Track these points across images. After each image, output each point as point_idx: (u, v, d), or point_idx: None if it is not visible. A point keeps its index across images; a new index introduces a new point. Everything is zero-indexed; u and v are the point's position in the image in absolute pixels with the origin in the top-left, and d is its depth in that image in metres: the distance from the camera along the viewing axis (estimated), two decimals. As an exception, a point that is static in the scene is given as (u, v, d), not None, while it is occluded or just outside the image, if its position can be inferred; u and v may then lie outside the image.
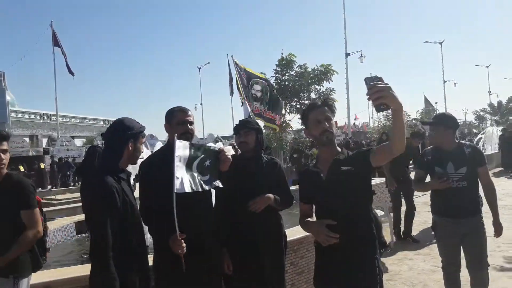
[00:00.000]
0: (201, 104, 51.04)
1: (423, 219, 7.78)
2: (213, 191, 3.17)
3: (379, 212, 6.70)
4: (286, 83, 13.48)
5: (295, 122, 14.54)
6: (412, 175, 4.24)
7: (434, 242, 6.17)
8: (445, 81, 47.64)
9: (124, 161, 2.50)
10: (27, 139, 34.92)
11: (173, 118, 2.89)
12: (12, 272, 2.66)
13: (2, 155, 2.74)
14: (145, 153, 5.23)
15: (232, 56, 6.30)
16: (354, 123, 60.28)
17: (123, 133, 2.47)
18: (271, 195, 3.09)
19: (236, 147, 3.46)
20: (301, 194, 2.73)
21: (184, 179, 2.58)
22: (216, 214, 3.07)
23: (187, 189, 2.57)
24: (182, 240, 2.50)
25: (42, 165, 21.56)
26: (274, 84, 13.56)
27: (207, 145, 2.92)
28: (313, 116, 2.51)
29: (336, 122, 2.61)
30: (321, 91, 13.63)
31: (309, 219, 2.69)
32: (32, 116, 46.29)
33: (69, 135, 37.36)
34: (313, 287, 4.04)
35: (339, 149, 2.56)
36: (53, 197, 14.89)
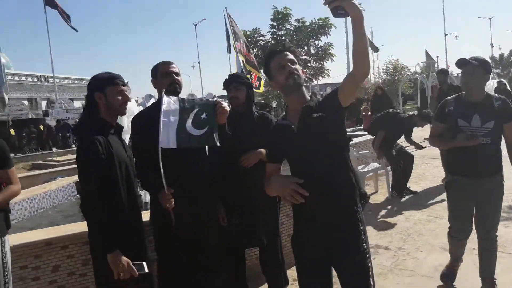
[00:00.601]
0: (199, 62, 50.36)
1: (420, 171, 7.85)
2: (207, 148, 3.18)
3: (374, 165, 6.76)
4: (283, 38, 13.18)
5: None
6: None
7: (431, 193, 6.38)
8: (446, 34, 46.67)
9: (104, 114, 2.48)
10: (26, 102, 34.67)
11: (158, 71, 2.89)
12: None
13: None
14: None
15: (226, 8, 6.10)
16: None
17: (89, 87, 2.51)
18: (262, 150, 3.07)
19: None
20: (268, 153, 2.44)
21: (170, 134, 2.57)
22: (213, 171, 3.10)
23: (172, 144, 2.56)
24: (171, 196, 2.57)
25: (41, 127, 21.57)
26: (270, 39, 13.33)
27: (202, 98, 2.91)
28: (275, 63, 2.22)
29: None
30: (319, 45, 13.36)
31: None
32: (30, 79, 45.76)
33: (68, 97, 37.11)
34: None
35: (308, 96, 2.25)
36: (54, 158, 15.04)
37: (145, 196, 4.98)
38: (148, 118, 2.75)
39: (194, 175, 2.82)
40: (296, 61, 2.23)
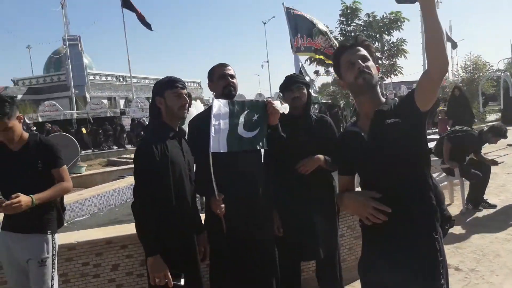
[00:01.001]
0: (267, 61, 50.61)
1: (501, 181, 7.19)
2: (262, 150, 3.09)
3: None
4: (352, 34, 12.72)
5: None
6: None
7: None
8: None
9: (166, 118, 2.53)
10: (105, 101, 36.95)
11: (214, 74, 2.86)
12: (49, 228, 2.77)
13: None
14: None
15: (283, 3, 5.84)
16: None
17: (152, 92, 2.58)
18: (321, 156, 2.95)
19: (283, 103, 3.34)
20: (338, 164, 2.17)
21: (221, 138, 2.55)
22: (266, 174, 3.00)
23: (223, 148, 2.54)
24: (222, 201, 2.54)
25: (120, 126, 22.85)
26: (339, 35, 12.93)
27: (252, 99, 2.85)
28: (344, 60, 1.94)
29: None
30: (391, 41, 12.74)
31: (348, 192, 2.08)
32: (109, 78, 48.89)
33: (144, 96, 38.97)
34: None
35: (383, 99, 1.95)
36: (127, 156, 15.86)
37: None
38: (202, 123, 2.71)
39: (247, 179, 2.74)
40: (369, 57, 1.94)
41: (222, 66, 2.85)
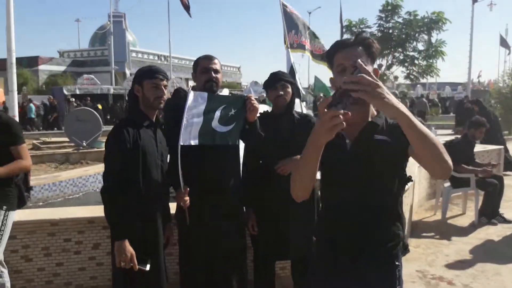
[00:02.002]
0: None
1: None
2: (242, 145, 3.05)
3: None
4: (391, 31, 12.30)
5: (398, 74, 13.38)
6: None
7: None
8: None
9: (143, 106, 2.53)
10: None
11: (198, 66, 2.79)
12: (3, 203, 2.82)
13: None
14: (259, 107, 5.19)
15: None
16: (478, 80, 54.58)
17: (132, 80, 2.58)
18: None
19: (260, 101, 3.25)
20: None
21: (193, 131, 2.52)
22: (243, 170, 2.97)
23: (194, 141, 2.52)
24: (186, 194, 2.55)
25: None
26: (377, 31, 12.54)
27: (233, 95, 2.79)
28: (338, 60, 1.71)
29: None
30: (429, 41, 12.22)
31: None
32: (151, 57, 49.82)
33: (184, 77, 39.46)
34: None
35: (374, 111, 1.76)
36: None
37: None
38: (176, 114, 2.66)
39: (217, 172, 2.71)
40: (368, 60, 1.71)
41: (207, 59, 2.77)
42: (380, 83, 1.38)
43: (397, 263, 1.76)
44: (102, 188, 2.42)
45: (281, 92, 2.91)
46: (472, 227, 5.48)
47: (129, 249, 2.35)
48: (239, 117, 2.65)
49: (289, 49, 5.65)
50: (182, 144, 2.48)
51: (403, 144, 1.58)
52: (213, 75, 2.73)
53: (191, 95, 2.52)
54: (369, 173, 1.69)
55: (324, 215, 1.93)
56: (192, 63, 2.88)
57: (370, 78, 1.34)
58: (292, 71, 5.31)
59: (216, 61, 2.78)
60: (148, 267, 2.41)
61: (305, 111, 4.99)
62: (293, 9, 5.96)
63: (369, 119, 1.72)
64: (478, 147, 7.98)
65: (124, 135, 2.39)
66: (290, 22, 5.81)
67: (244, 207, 2.99)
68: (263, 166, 2.96)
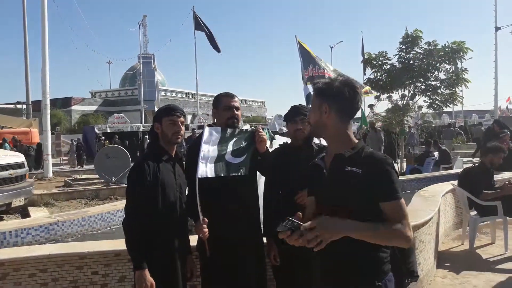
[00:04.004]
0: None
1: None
2: (262, 179, 3.14)
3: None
4: (411, 62, 12.32)
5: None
6: None
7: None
8: None
9: (162, 142, 2.69)
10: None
11: (220, 103, 2.94)
12: None
13: None
14: (278, 138, 5.39)
15: (296, 36, 5.93)
16: (506, 107, 53.34)
17: (153, 118, 2.75)
18: None
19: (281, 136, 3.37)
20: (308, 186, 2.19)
21: (209, 163, 2.65)
22: (265, 202, 3.05)
23: (210, 174, 2.63)
24: (205, 225, 2.61)
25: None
26: (397, 63, 12.58)
27: (242, 127, 2.94)
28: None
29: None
30: (451, 70, 12.15)
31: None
32: (179, 95, 51.25)
33: (210, 113, 40.16)
34: None
35: (354, 141, 1.91)
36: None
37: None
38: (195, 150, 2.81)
39: (236, 205, 2.81)
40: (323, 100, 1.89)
41: (229, 97, 2.94)
42: (318, 228, 1.61)
43: (378, 283, 1.79)
44: (124, 220, 2.55)
45: (300, 126, 3.02)
46: (502, 257, 5.32)
47: (149, 278, 2.44)
48: (249, 149, 2.80)
49: (308, 83, 5.83)
50: (199, 176, 2.59)
51: (376, 193, 1.75)
52: (235, 112, 2.89)
53: (206, 130, 2.68)
54: (340, 202, 1.80)
55: None
56: (215, 99, 3.04)
57: (311, 235, 1.60)
58: (308, 102, 5.47)
59: (236, 98, 2.95)
60: None
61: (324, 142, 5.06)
62: (309, 49, 6.17)
63: (338, 152, 1.87)
64: (505, 174, 7.82)
65: (145, 169, 2.53)
66: (307, 57, 6.01)
67: (264, 239, 3.04)
68: (283, 198, 3.03)
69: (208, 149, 2.66)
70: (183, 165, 2.85)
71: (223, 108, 2.91)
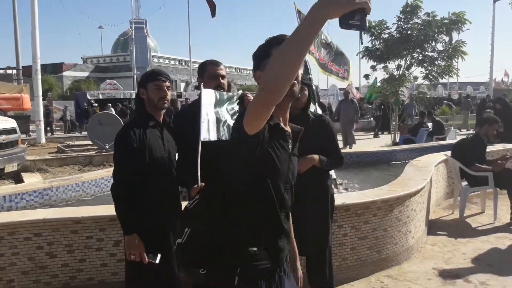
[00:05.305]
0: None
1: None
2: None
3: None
4: (409, 32, 12.19)
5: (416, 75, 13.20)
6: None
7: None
8: None
9: (148, 108, 2.65)
10: (166, 83, 38.12)
11: (205, 71, 2.91)
12: None
13: None
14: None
15: (295, 3, 5.79)
16: (502, 80, 53.45)
17: (138, 83, 2.74)
18: (315, 156, 2.94)
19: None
20: None
21: (211, 126, 2.62)
22: None
23: (213, 137, 2.61)
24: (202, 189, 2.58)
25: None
26: (395, 32, 12.45)
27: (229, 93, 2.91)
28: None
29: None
30: (448, 42, 12.05)
31: None
32: (172, 62, 50.51)
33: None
34: (375, 253, 3.91)
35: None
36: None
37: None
38: (189, 115, 2.78)
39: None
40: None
41: (214, 65, 2.89)
42: None
43: None
44: (112, 186, 2.54)
45: (298, 95, 2.99)
46: (491, 226, 5.43)
47: (139, 243, 2.46)
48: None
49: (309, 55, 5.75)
50: (203, 139, 2.56)
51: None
52: (221, 81, 2.86)
53: (203, 92, 2.64)
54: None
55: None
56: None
57: None
58: (306, 71, 5.40)
59: (222, 66, 2.91)
60: (158, 260, 2.48)
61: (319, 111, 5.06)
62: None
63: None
64: (498, 146, 7.90)
65: (130, 135, 2.51)
66: None
67: None
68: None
69: (207, 112, 2.62)
70: (172, 131, 2.81)
71: (208, 76, 2.87)
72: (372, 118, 21.17)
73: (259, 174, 1.67)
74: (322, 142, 3.01)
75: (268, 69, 1.41)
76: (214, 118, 2.67)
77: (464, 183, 5.86)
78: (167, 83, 2.63)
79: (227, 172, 1.75)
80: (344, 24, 1.29)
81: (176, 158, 2.80)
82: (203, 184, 2.61)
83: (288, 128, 1.79)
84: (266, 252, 1.72)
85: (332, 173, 5.66)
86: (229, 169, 1.74)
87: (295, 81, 1.68)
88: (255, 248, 1.68)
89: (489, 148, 6.57)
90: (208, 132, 2.62)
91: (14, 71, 28.75)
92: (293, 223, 2.93)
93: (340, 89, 26.22)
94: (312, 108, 3.55)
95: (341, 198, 3.97)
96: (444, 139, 11.16)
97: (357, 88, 31.24)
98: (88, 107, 23.16)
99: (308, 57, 5.85)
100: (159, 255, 2.49)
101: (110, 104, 22.61)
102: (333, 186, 5.46)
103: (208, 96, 2.66)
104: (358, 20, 1.28)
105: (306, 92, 3.02)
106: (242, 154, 1.64)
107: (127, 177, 2.48)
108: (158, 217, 2.59)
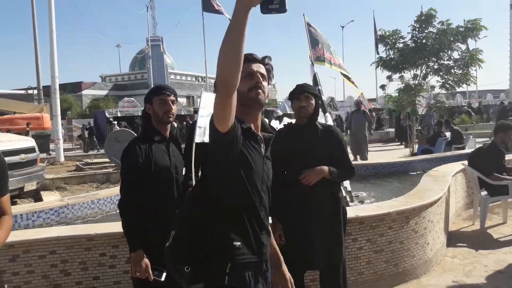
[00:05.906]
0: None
1: None
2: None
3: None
4: (424, 41, 12.08)
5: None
6: None
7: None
8: None
9: (155, 123, 2.68)
10: (183, 99, 38.65)
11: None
12: None
13: None
14: (284, 120, 5.36)
15: (304, 14, 5.83)
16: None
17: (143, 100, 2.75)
18: (325, 167, 2.90)
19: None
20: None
21: (207, 129, 2.63)
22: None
23: (207, 140, 2.61)
24: None
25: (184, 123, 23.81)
26: (410, 42, 12.36)
27: None
28: (244, 68, 1.74)
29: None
30: (465, 50, 11.87)
31: None
32: (189, 78, 51.14)
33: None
34: (392, 266, 3.82)
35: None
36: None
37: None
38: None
39: None
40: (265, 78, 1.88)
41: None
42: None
43: None
44: (119, 202, 2.55)
45: (304, 104, 2.98)
46: (514, 237, 5.26)
47: (145, 260, 2.45)
48: None
49: (315, 62, 5.80)
50: (196, 141, 2.59)
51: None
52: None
53: (204, 96, 2.68)
54: None
55: None
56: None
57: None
58: (315, 82, 5.42)
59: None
60: (163, 278, 2.47)
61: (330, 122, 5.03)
62: (316, 28, 6.12)
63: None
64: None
65: (136, 150, 2.53)
66: (314, 39, 5.97)
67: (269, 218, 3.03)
68: (286, 177, 2.99)
69: (203, 115, 2.65)
70: (180, 145, 2.82)
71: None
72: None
73: (236, 171, 1.76)
74: (332, 153, 2.98)
75: (216, 64, 1.51)
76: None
77: (484, 192, 5.71)
78: (172, 97, 2.65)
79: (209, 171, 1.83)
80: (265, 9, 1.41)
81: (183, 173, 2.80)
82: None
83: (260, 134, 1.89)
84: (250, 246, 1.79)
85: (347, 185, 5.59)
86: (210, 168, 1.82)
87: (260, 90, 1.80)
88: (239, 243, 1.75)
89: (509, 156, 6.39)
90: (203, 135, 2.66)
91: (35, 91, 29.51)
92: (305, 235, 2.92)
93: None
94: (321, 119, 3.53)
95: (354, 210, 3.90)
96: (463, 148, 10.93)
97: (374, 99, 30.98)
98: (107, 124, 23.56)
99: (320, 66, 5.89)
100: (164, 273, 2.47)
101: (115, 122, 22.94)
102: (348, 199, 5.42)
103: (208, 100, 2.70)
104: (277, 3, 1.40)
105: (313, 102, 3.01)
106: (219, 152, 1.74)
107: (134, 193, 2.49)
108: (164, 233, 2.58)
